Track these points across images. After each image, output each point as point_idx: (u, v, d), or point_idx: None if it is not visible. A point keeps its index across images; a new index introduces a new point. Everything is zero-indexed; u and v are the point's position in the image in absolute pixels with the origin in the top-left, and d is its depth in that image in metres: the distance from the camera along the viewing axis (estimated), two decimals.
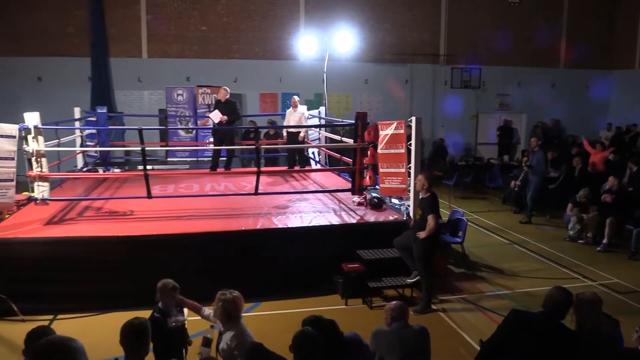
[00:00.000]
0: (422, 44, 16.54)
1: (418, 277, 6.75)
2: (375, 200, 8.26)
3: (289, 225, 7.31)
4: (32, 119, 7.20)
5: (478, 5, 16.74)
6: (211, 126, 10.26)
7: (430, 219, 6.35)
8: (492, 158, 16.39)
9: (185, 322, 4.36)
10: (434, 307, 6.68)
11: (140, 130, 7.43)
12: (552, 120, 17.31)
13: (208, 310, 4.38)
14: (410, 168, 7.42)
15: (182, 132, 14.03)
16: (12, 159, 6.76)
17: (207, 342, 4.01)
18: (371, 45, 15.95)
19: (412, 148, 7.35)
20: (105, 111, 11.54)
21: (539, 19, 17.12)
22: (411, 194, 7.45)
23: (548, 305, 3.53)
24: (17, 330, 5.81)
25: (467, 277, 7.88)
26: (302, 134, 10.88)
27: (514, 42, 16.85)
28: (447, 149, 16.40)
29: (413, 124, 7.32)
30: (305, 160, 11.14)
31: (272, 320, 6.28)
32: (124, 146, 12.39)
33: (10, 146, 6.73)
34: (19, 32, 14.30)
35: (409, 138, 7.44)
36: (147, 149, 7.60)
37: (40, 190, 7.35)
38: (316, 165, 11.57)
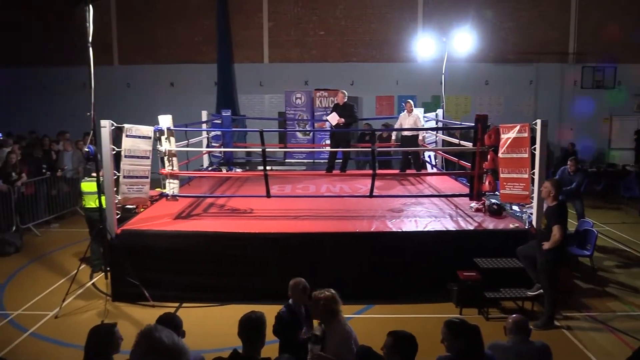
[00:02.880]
0: (548, 42, 15.49)
1: (540, 290, 6.34)
2: (495, 206, 7.89)
3: (403, 229, 7.21)
4: (165, 121, 7.75)
5: None
6: (328, 128, 10.44)
7: (556, 230, 5.94)
8: (627, 165, 14.89)
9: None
10: (557, 323, 6.23)
11: (261, 132, 7.73)
12: None
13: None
14: (534, 174, 7.01)
15: (299, 135, 14.48)
16: (148, 157, 7.35)
17: (316, 340, 4.05)
18: (492, 45, 15.25)
19: (537, 153, 6.93)
20: (229, 114, 12.19)
21: None
22: (534, 202, 7.02)
23: None
24: (148, 314, 6.33)
25: (595, 293, 7.26)
26: (420, 137, 10.70)
27: None
28: (576, 154, 15.23)
29: (538, 127, 6.91)
30: (421, 164, 10.94)
31: (383, 323, 6.19)
32: (245, 147, 13.00)
33: (146, 146, 7.33)
34: (156, 41, 15.70)
35: (533, 142, 7.03)
36: (267, 150, 7.89)
37: (171, 187, 7.90)
38: (432, 169, 11.31)
